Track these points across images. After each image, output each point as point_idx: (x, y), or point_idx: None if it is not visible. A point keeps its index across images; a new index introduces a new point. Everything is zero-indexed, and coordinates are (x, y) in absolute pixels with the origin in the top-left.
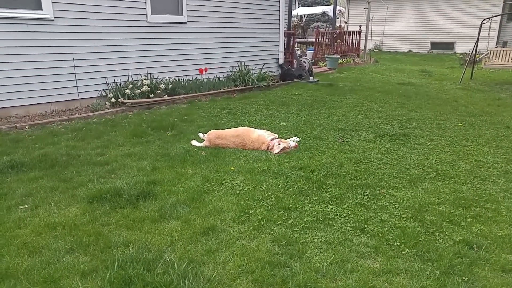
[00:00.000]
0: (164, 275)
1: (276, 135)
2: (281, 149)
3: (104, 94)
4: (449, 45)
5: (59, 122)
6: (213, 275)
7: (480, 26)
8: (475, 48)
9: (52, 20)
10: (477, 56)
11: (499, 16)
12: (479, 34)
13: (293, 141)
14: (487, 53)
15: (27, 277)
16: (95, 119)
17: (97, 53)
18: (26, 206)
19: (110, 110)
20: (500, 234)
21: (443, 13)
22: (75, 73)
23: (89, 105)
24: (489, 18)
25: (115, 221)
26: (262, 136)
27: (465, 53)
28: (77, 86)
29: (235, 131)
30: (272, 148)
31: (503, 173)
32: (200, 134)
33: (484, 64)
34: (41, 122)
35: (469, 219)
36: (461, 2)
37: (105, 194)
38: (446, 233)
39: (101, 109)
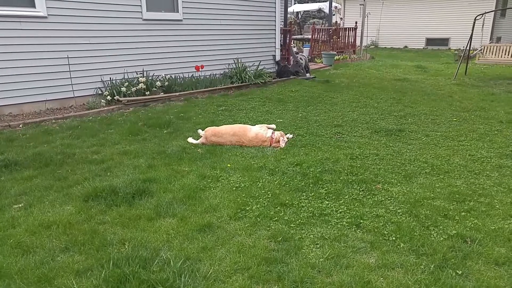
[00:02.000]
0: (160, 273)
1: (273, 126)
2: (285, 143)
3: (100, 92)
4: (444, 41)
5: (53, 121)
6: (209, 272)
7: (474, 22)
8: (469, 44)
9: (45, 17)
10: (471, 52)
11: (493, 12)
12: (473, 30)
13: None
14: (481, 49)
15: (21, 277)
16: (90, 117)
17: (92, 50)
18: (20, 205)
19: (105, 108)
20: (494, 227)
21: (438, 9)
22: (69, 71)
23: (85, 103)
24: (483, 14)
25: (111, 219)
26: (260, 134)
27: (460, 49)
28: (71, 84)
29: (231, 129)
30: (278, 143)
31: (497, 167)
32: (199, 131)
33: (478, 59)
34: (35, 121)
35: (463, 213)
36: None
37: (101, 192)
38: (441, 227)
39: (97, 107)
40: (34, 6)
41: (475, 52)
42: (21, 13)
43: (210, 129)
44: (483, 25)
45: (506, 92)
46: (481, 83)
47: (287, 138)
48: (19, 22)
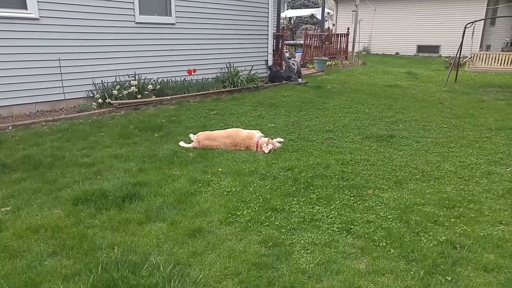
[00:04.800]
0: (149, 278)
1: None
2: (269, 150)
3: (91, 95)
4: (435, 48)
5: (44, 123)
6: (199, 277)
7: (464, 30)
8: (459, 51)
9: (37, 19)
10: (461, 59)
11: (482, 21)
12: (463, 38)
13: (278, 142)
14: (471, 57)
15: (8, 281)
16: (81, 120)
17: (83, 53)
18: (8, 208)
19: (97, 111)
20: (483, 234)
21: (429, 17)
22: (60, 73)
23: (76, 105)
24: (473, 22)
25: (100, 223)
26: (251, 133)
27: (450, 56)
28: (63, 87)
29: (225, 132)
30: (261, 148)
31: (486, 174)
32: (191, 135)
33: (468, 67)
34: (25, 123)
35: (453, 219)
36: (446, 6)
37: (91, 195)
38: (431, 233)
39: (88, 110)
40: (26, 8)
41: (465, 59)
42: (13, 15)
43: (203, 133)
44: (473, 33)
45: (495, 99)
46: (471, 90)
47: (278, 143)
48: (10, 23)
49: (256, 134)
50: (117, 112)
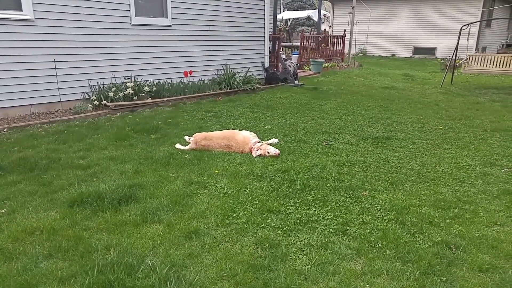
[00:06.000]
0: (145, 280)
1: (258, 139)
2: (258, 155)
3: (87, 97)
4: (431, 50)
5: (39, 125)
6: (196, 279)
7: (460, 32)
8: (455, 53)
9: (32, 21)
10: (457, 61)
11: (478, 23)
12: (458, 40)
13: (272, 144)
14: (467, 59)
15: (3, 284)
16: (77, 122)
17: (79, 55)
18: (3, 210)
19: (93, 113)
20: (478, 234)
21: (425, 19)
22: (56, 75)
23: (71, 107)
24: (469, 24)
25: (96, 225)
26: (247, 137)
27: (446, 58)
28: (58, 89)
29: (221, 133)
30: (251, 151)
31: (481, 175)
32: (186, 137)
33: (464, 69)
34: (21, 125)
35: (448, 220)
36: (442, 8)
37: (86, 197)
38: (426, 234)
39: (84, 112)
40: (21, 9)
41: (461, 61)
42: (8, 16)
43: (200, 134)
44: (468, 35)
45: (490, 101)
46: (467, 92)
47: (275, 146)
48: (5, 25)
49: (252, 139)
50: (113, 114)
